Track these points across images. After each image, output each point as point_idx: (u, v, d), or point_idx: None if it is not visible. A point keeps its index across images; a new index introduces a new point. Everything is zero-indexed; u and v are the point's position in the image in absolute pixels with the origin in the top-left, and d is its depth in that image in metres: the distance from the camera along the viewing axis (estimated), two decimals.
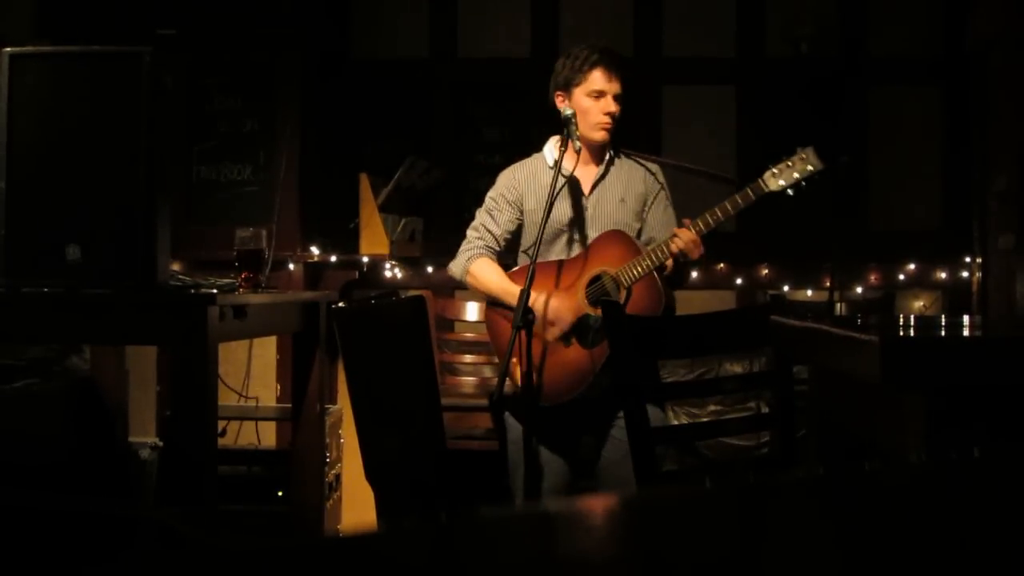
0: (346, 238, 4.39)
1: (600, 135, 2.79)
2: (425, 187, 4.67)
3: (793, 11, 4.87)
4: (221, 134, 4.46)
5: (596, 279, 2.72)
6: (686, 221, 2.68)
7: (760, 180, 2.69)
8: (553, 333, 2.70)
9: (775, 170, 2.70)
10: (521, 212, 2.87)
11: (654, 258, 2.66)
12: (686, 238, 2.63)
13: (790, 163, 2.70)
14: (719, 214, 2.65)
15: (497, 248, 2.90)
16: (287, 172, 4.18)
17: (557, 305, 2.70)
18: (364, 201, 4.27)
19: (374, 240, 4.28)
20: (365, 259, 4.44)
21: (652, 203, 2.86)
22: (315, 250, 4.49)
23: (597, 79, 2.78)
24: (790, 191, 2.71)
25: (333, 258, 4.52)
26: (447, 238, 2.96)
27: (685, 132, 4.92)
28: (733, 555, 0.53)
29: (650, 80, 4.96)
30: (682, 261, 2.67)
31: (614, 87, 2.79)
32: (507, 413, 2.84)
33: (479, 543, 0.54)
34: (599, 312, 2.66)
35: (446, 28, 5.02)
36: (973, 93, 4.73)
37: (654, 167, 2.92)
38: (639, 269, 2.65)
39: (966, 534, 0.57)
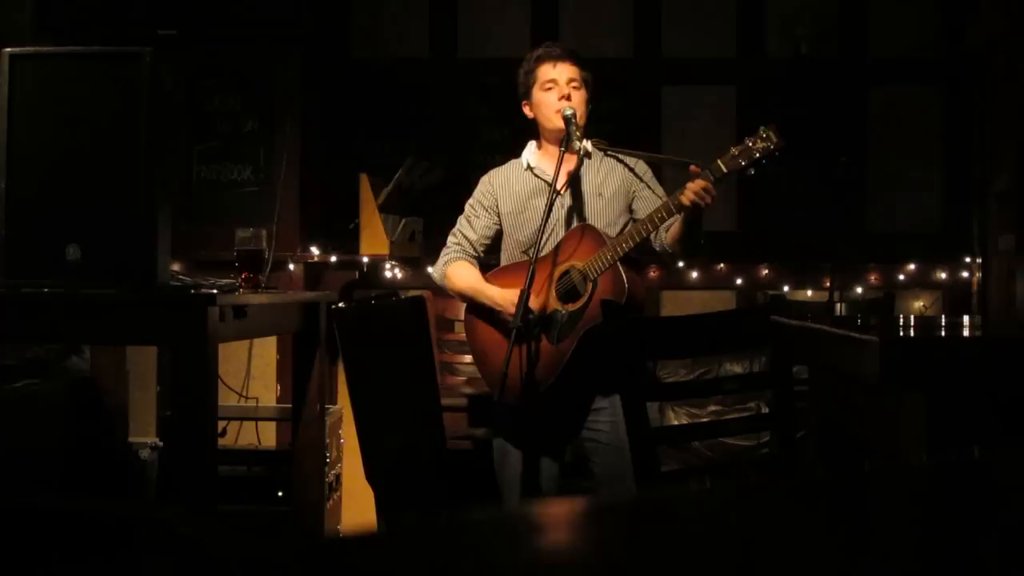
0: (346, 238, 4.39)
1: (558, 121, 2.80)
2: (425, 187, 4.67)
3: (793, 11, 4.87)
4: (221, 134, 4.46)
5: (565, 274, 2.73)
6: (694, 168, 2.57)
7: (718, 161, 2.59)
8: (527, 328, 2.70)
9: (734, 151, 2.60)
10: (498, 216, 2.91)
11: (631, 240, 2.63)
12: (699, 185, 2.54)
13: (750, 143, 2.60)
14: (718, 171, 2.57)
15: (474, 253, 2.94)
16: (287, 172, 4.18)
17: (531, 302, 2.72)
18: (364, 201, 4.27)
19: (374, 240, 4.28)
20: (365, 259, 4.44)
21: (637, 193, 2.85)
22: (315, 250, 4.49)
23: (544, 72, 2.85)
24: (752, 170, 2.60)
25: (333, 258, 4.52)
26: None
27: (685, 132, 4.92)
28: (732, 555, 0.53)
29: (650, 80, 4.96)
30: (696, 210, 2.57)
31: (561, 72, 2.83)
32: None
33: (479, 543, 0.54)
34: (566, 308, 2.68)
35: (446, 28, 5.02)
36: (973, 93, 4.73)
37: (632, 160, 2.92)
38: (604, 260, 2.65)
39: (966, 534, 0.57)
